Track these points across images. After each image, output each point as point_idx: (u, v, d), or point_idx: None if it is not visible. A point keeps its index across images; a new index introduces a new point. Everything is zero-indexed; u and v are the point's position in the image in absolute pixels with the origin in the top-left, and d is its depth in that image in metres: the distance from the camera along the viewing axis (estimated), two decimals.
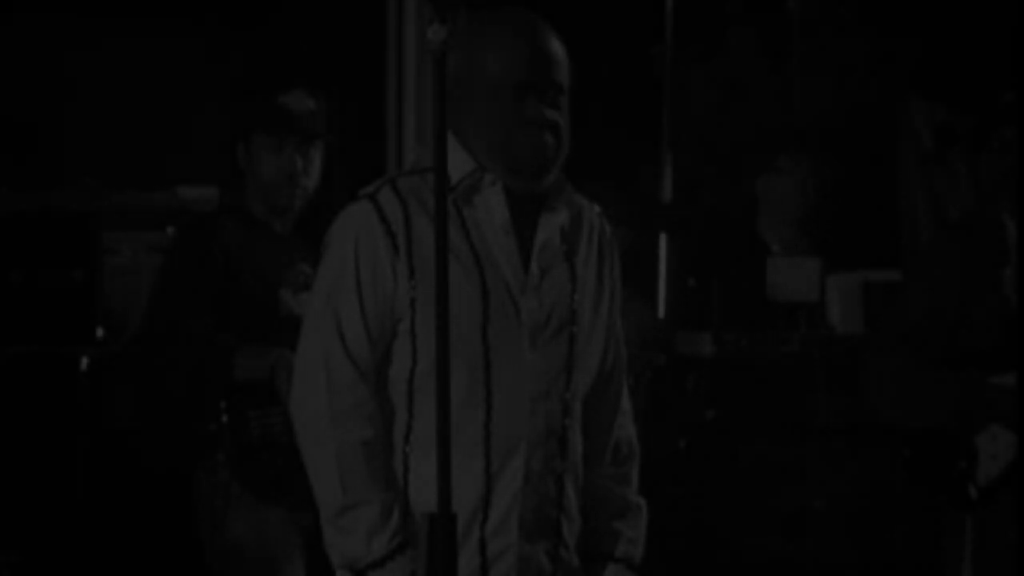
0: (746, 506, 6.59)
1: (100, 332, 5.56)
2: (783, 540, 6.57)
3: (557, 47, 3.17)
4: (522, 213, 3.15)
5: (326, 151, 4.74)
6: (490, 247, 3.13)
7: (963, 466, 4.52)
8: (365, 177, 6.90)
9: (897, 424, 4.66)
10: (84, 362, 5.50)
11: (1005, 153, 4.65)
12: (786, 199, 7.00)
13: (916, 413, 4.58)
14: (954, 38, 7.74)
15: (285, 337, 4.55)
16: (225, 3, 7.38)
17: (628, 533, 3.26)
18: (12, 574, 5.13)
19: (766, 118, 8.72)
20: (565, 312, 3.17)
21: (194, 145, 6.97)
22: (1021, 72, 4.78)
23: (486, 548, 3.09)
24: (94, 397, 5.53)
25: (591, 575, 3.23)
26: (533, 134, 3.12)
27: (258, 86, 4.75)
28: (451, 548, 2.69)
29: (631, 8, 7.99)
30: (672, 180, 7.43)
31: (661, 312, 7.13)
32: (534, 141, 3.12)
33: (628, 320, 3.45)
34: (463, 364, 3.05)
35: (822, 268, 6.78)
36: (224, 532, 4.57)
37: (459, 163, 3.14)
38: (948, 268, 4.58)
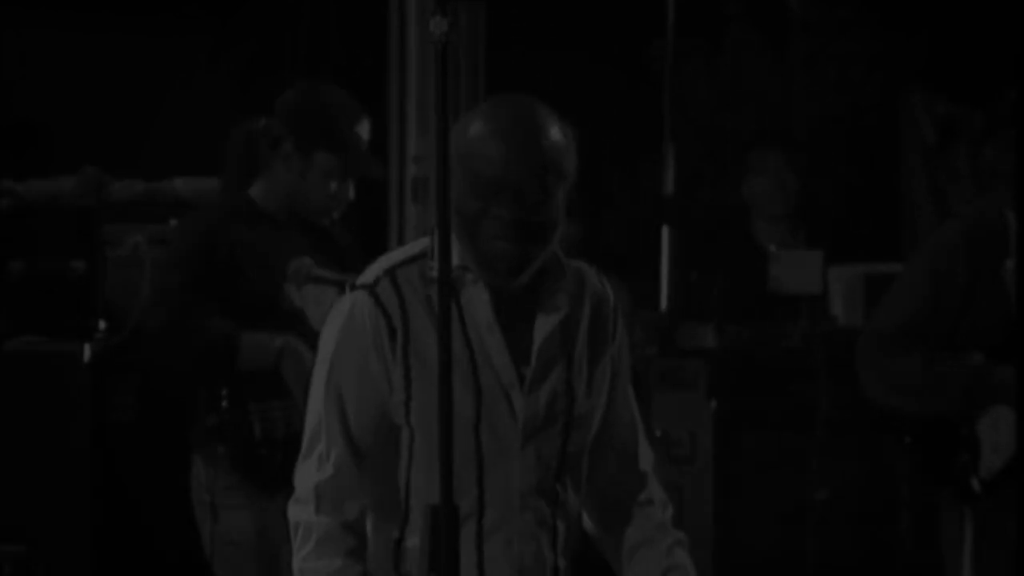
0: (748, 498, 6.59)
1: (102, 324, 5.55)
2: (785, 532, 6.56)
3: (548, 142, 3.04)
4: (516, 306, 3.12)
5: None
6: (483, 344, 3.11)
7: (965, 458, 4.51)
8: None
9: (894, 413, 4.65)
10: (87, 353, 5.50)
11: (1007, 147, 4.64)
12: (766, 197, 7.01)
13: (914, 401, 4.56)
14: (956, 31, 7.74)
15: (289, 331, 4.55)
16: None
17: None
18: (15, 566, 5.12)
19: (767, 114, 8.72)
20: (561, 406, 3.16)
21: (196, 137, 6.96)
22: (1021, 72, 4.76)
23: None
24: (96, 389, 5.53)
25: None
26: (499, 236, 3.04)
27: (327, 100, 4.66)
28: (453, 541, 2.69)
29: (632, 4, 7.99)
30: (674, 174, 7.43)
31: (663, 305, 7.13)
32: (499, 244, 3.04)
33: None
34: (456, 460, 2.99)
35: (824, 261, 6.78)
36: (223, 523, 4.56)
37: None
38: (951, 260, 4.56)
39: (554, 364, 3.15)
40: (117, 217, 5.70)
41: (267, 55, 7.52)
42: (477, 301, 3.10)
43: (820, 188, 7.98)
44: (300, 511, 3.21)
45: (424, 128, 6.29)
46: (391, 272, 3.12)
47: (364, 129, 4.64)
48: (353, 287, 3.26)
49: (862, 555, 6.53)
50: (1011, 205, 4.57)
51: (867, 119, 8.61)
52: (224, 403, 4.52)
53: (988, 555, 4.49)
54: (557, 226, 3.08)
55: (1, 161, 6.32)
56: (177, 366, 4.53)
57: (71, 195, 5.79)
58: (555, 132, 3.07)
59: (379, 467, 3.16)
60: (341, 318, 3.15)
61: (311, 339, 4.50)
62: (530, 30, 7.90)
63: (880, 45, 8.68)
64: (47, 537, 5.36)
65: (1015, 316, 4.42)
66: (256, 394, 4.53)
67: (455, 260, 3.05)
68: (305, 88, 4.74)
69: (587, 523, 3.32)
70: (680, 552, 3.28)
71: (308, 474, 3.19)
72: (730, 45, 8.94)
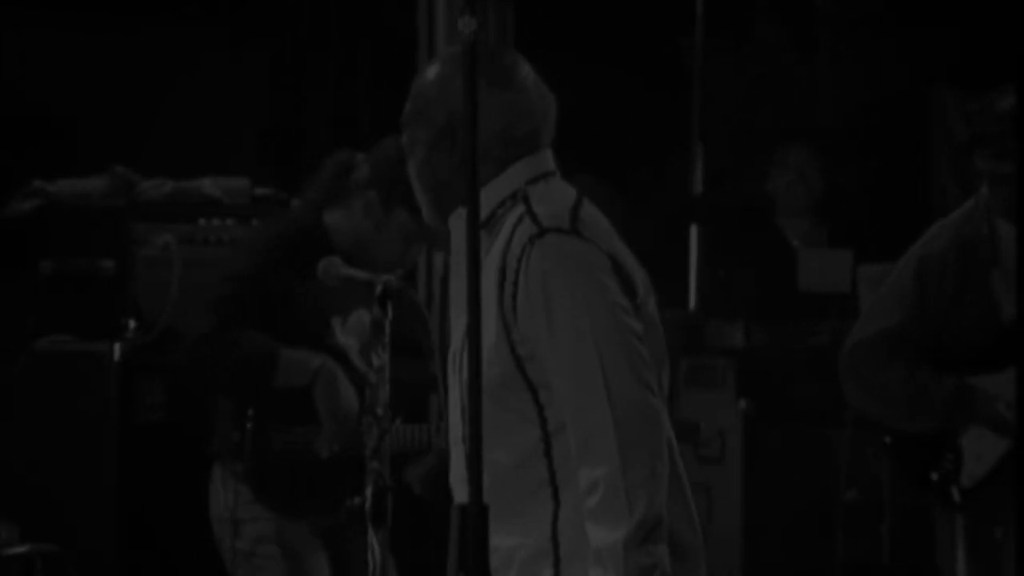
0: (777, 497, 6.58)
1: (131, 324, 5.56)
2: (814, 531, 6.55)
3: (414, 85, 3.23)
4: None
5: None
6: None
7: (947, 468, 4.48)
8: None
9: (879, 422, 4.63)
10: (116, 353, 5.51)
11: (998, 154, 4.61)
12: (789, 191, 7.03)
13: (893, 414, 4.54)
14: (986, 27, 7.71)
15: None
16: None
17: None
18: (46, 565, 5.14)
19: (794, 110, 8.71)
20: (459, 357, 3.15)
21: (224, 137, 6.97)
22: (1021, 73, 4.73)
23: None
24: (125, 389, 5.54)
25: None
26: None
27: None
28: (483, 539, 2.69)
29: (660, 2, 7.99)
30: (702, 171, 7.42)
31: (692, 304, 7.13)
32: None
33: None
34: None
35: (853, 259, 6.78)
36: (244, 536, 4.57)
37: None
38: (939, 269, 4.53)
39: (462, 314, 3.13)
40: (146, 217, 5.71)
41: (295, 49, 7.52)
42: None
43: (848, 185, 7.97)
44: None
45: None
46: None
47: None
48: (385, 284, 3.28)
49: (891, 554, 6.51)
50: (1001, 211, 4.53)
51: (897, 111, 8.59)
52: (249, 421, 4.53)
53: (979, 560, 4.47)
54: (416, 164, 3.20)
55: (25, 159, 6.33)
56: (215, 373, 4.53)
57: (101, 195, 5.80)
58: (426, 72, 3.24)
59: None
60: None
61: (353, 377, 4.51)
62: (557, 28, 7.89)
63: (909, 37, 8.65)
64: (77, 535, 5.38)
65: (1002, 324, 4.40)
66: (282, 418, 4.54)
67: None
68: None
69: None
70: None
71: None
72: (757, 41, 8.93)
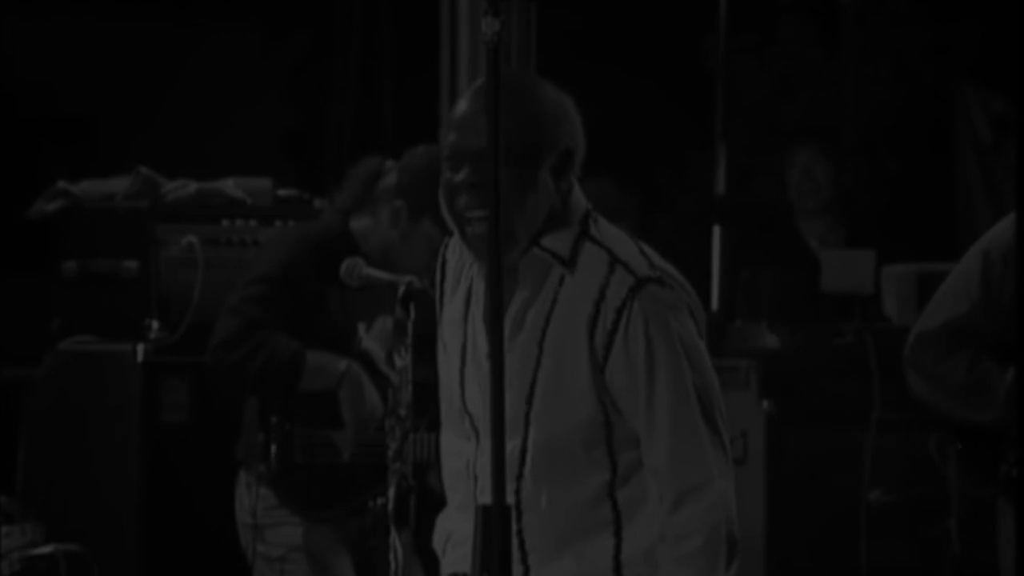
0: (800, 499, 6.56)
1: (155, 325, 5.57)
2: (837, 533, 6.54)
3: (469, 111, 3.11)
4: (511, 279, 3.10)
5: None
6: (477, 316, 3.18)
7: (1013, 460, 4.48)
8: None
9: (943, 415, 4.62)
10: (140, 354, 5.52)
11: None
12: (797, 192, 7.01)
13: (954, 403, 4.53)
14: (1011, 27, 7.69)
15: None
16: None
17: None
18: (70, 565, 5.16)
19: (819, 109, 8.69)
20: (525, 386, 3.10)
21: (249, 137, 6.99)
22: (1021, 73, 4.71)
23: None
24: (149, 390, 5.55)
25: None
26: (449, 201, 3.12)
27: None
28: (506, 539, 2.69)
29: (684, 1, 7.98)
30: (725, 171, 7.40)
31: (714, 305, 7.11)
32: (450, 207, 3.12)
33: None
34: (450, 423, 3.16)
35: (876, 260, 6.75)
36: (268, 541, 4.58)
37: None
38: (1005, 261, 4.52)
39: (520, 340, 3.10)
40: (169, 218, 5.72)
41: (318, 49, 7.53)
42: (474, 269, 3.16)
43: (871, 184, 7.95)
44: None
45: None
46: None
47: None
48: (407, 285, 3.29)
49: (915, 556, 6.49)
50: None
51: (922, 111, 8.57)
52: (274, 428, 4.53)
53: None
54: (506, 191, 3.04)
55: (49, 160, 6.35)
56: (241, 375, 4.52)
57: (124, 196, 5.81)
58: (486, 99, 3.06)
59: None
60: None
61: (379, 383, 4.51)
62: (580, 28, 7.90)
63: (934, 36, 8.63)
64: (101, 535, 5.39)
65: None
66: (306, 420, 4.55)
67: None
68: (433, 152, 4.71)
69: None
70: None
71: None
72: (781, 40, 8.92)
